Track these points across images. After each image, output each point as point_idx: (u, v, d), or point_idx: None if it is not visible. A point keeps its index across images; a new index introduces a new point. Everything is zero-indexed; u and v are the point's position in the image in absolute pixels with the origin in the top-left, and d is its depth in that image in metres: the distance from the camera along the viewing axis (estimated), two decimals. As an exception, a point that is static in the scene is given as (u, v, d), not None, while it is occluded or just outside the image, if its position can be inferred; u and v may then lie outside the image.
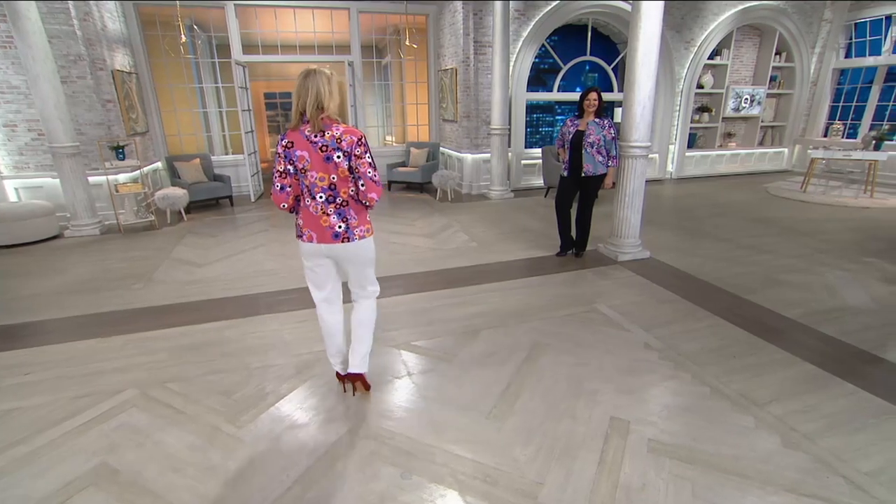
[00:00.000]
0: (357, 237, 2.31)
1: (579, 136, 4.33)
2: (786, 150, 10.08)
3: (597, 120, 4.29)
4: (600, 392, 2.58)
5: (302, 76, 2.12)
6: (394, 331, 3.30)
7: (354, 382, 2.59)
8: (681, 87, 8.87)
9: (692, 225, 6.00)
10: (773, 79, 9.63)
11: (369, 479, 2.01)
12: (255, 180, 7.76)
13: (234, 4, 7.28)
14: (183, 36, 6.49)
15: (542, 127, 8.82)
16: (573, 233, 4.77)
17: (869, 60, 9.04)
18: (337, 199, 2.24)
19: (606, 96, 4.75)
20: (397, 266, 4.59)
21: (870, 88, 9.18)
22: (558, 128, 8.77)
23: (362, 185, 2.22)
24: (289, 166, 2.21)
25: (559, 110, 8.83)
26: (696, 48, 8.71)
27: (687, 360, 2.89)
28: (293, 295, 3.91)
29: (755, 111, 9.53)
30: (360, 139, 2.18)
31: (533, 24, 7.58)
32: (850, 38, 9.39)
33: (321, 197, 2.22)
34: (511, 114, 7.73)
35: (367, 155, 2.22)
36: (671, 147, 9.22)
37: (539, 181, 8.32)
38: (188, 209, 6.71)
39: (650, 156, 8.57)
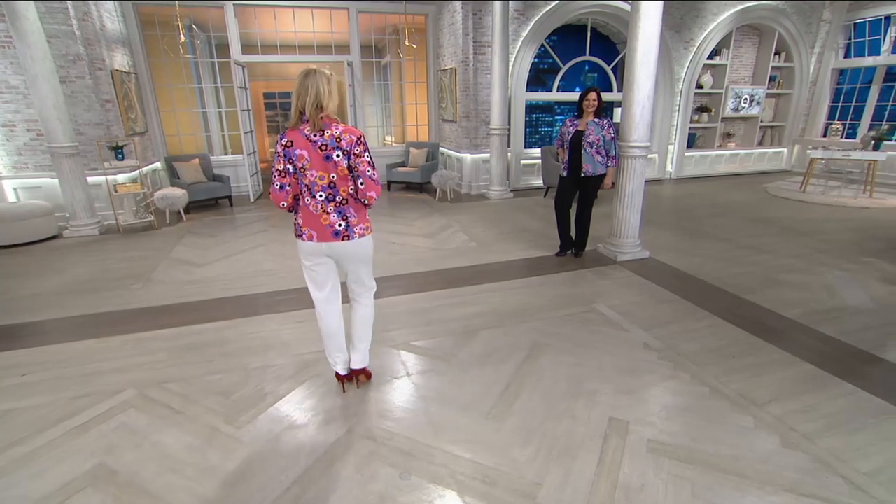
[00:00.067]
0: (357, 235, 2.33)
1: (579, 136, 4.33)
2: (785, 150, 10.08)
3: (596, 120, 4.29)
4: (599, 392, 2.58)
5: (302, 76, 2.14)
6: (393, 331, 3.30)
7: (358, 376, 2.68)
8: (680, 87, 8.88)
9: (691, 225, 6.00)
10: (772, 79, 9.64)
11: (368, 479, 2.01)
12: (254, 180, 7.75)
13: (234, 4, 7.28)
14: (182, 36, 6.48)
15: (542, 127, 8.82)
16: (572, 233, 4.77)
17: (868, 60, 9.05)
18: (336, 198, 2.26)
19: (606, 96, 4.75)
20: (397, 266, 4.59)
21: (869, 88, 9.18)
22: (557, 128, 8.77)
23: (361, 183, 2.24)
24: (288, 165, 2.21)
25: (558, 110, 8.83)
26: (695, 48, 8.71)
27: (686, 360, 2.89)
28: (292, 295, 3.90)
29: (754, 111, 9.54)
30: (359, 138, 2.21)
31: (532, 24, 7.58)
32: (850, 38, 9.39)
33: (321, 195, 2.24)
34: (510, 114, 7.74)
35: (366, 154, 2.24)
36: (670, 147, 9.22)
37: (538, 181, 8.32)
38: (187, 209, 6.71)
39: (649, 156, 8.59)
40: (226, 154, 8.64)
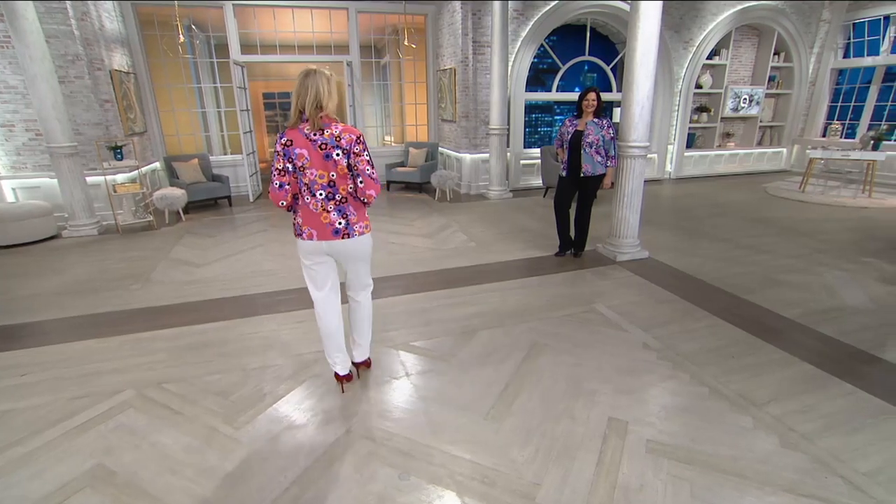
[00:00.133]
0: (357, 233, 2.36)
1: (578, 137, 4.33)
2: (784, 150, 10.09)
3: (596, 120, 4.29)
4: (599, 392, 2.58)
5: (302, 76, 2.17)
6: (392, 331, 3.30)
7: (359, 367, 2.78)
8: (679, 87, 8.88)
9: (691, 225, 6.00)
10: (771, 79, 9.64)
11: (367, 479, 2.00)
12: (253, 180, 7.75)
13: (233, 4, 7.27)
14: (181, 36, 6.48)
15: (541, 127, 8.83)
16: (572, 233, 4.77)
17: (867, 60, 9.05)
18: (336, 196, 2.28)
19: (605, 96, 4.76)
20: (396, 266, 4.59)
21: (868, 88, 9.19)
22: (557, 128, 8.77)
23: (361, 182, 2.27)
24: (288, 164, 2.23)
25: (558, 110, 8.83)
26: (694, 48, 8.71)
27: (685, 360, 2.89)
28: (291, 295, 3.90)
29: (754, 111, 9.54)
30: (358, 137, 2.24)
31: (531, 24, 7.58)
32: (849, 38, 9.40)
33: (321, 194, 2.26)
34: (510, 114, 7.73)
35: (366, 153, 2.26)
36: (670, 147, 9.23)
37: (538, 181, 8.32)
38: (186, 209, 6.70)
39: (649, 156, 8.57)
40: (225, 154, 8.63)
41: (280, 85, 13.30)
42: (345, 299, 2.71)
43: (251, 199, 7.65)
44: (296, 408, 2.50)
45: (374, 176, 2.28)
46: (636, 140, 4.40)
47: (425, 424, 2.35)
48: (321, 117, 2.18)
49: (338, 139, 2.19)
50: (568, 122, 4.44)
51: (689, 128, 9.36)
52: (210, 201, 7.24)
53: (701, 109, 9.38)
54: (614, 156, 4.37)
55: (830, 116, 9.90)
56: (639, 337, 3.18)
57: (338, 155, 2.20)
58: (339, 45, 8.26)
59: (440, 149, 8.81)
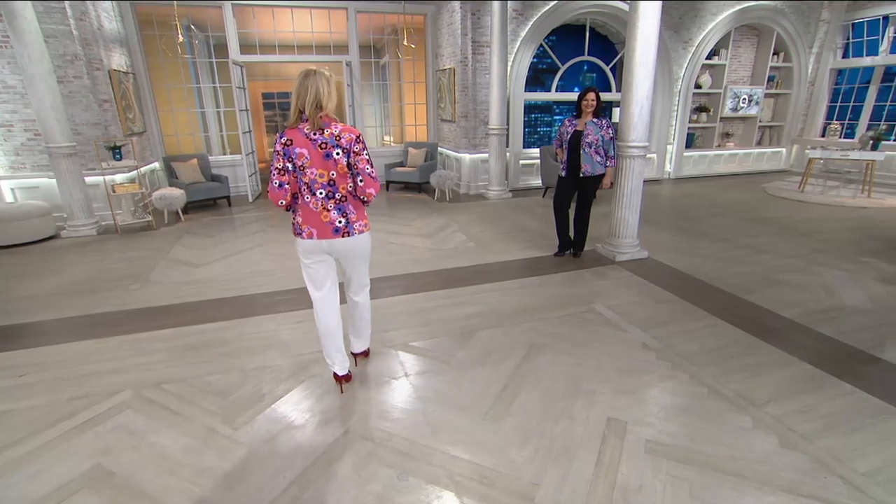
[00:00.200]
0: (357, 231, 2.38)
1: (577, 137, 4.33)
2: (784, 149, 10.10)
3: (595, 120, 4.29)
4: (598, 392, 2.58)
5: (301, 76, 2.19)
6: (391, 331, 3.30)
7: (357, 357, 2.90)
8: (679, 87, 8.88)
9: (690, 225, 6.00)
10: (770, 79, 9.65)
11: (366, 480, 2.00)
12: (252, 180, 7.75)
13: (232, 4, 7.27)
14: (180, 36, 6.47)
15: (541, 127, 8.82)
16: (571, 233, 4.77)
17: (866, 60, 9.06)
18: (336, 195, 2.30)
19: (605, 96, 4.75)
20: (395, 266, 4.59)
21: (867, 88, 9.20)
22: (556, 128, 8.77)
23: (361, 181, 2.30)
24: (287, 164, 2.24)
25: (557, 110, 8.83)
26: (693, 48, 8.72)
27: (685, 360, 2.89)
28: (291, 295, 3.90)
29: (753, 111, 9.55)
30: (358, 137, 2.26)
31: (531, 24, 7.58)
32: (848, 39, 9.41)
33: (321, 193, 2.28)
34: (509, 114, 7.73)
35: (365, 152, 2.29)
36: (669, 147, 9.23)
37: (537, 181, 8.32)
38: (186, 209, 6.69)
39: (648, 156, 8.60)
40: (224, 154, 8.63)
41: (279, 85, 13.29)
42: (343, 300, 2.71)
43: (250, 199, 7.65)
44: (295, 408, 2.49)
45: (373, 175, 2.32)
46: (635, 140, 4.40)
47: (424, 425, 2.35)
48: (321, 117, 2.19)
49: (338, 138, 2.21)
50: (567, 122, 4.43)
51: (689, 128, 9.36)
52: (209, 201, 7.23)
53: (700, 109, 9.39)
54: (614, 156, 4.37)
55: (829, 116, 9.91)
56: (638, 337, 3.18)
57: (338, 154, 2.22)
58: (339, 45, 8.26)
59: (439, 149, 8.81)
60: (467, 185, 8.03)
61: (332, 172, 2.25)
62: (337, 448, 2.20)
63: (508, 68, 7.53)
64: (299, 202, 2.33)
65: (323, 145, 2.21)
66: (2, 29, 5.34)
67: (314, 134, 2.20)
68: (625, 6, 7.52)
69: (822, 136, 9.79)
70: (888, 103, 8.95)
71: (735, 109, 9.42)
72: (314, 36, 8.04)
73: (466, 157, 7.89)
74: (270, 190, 2.29)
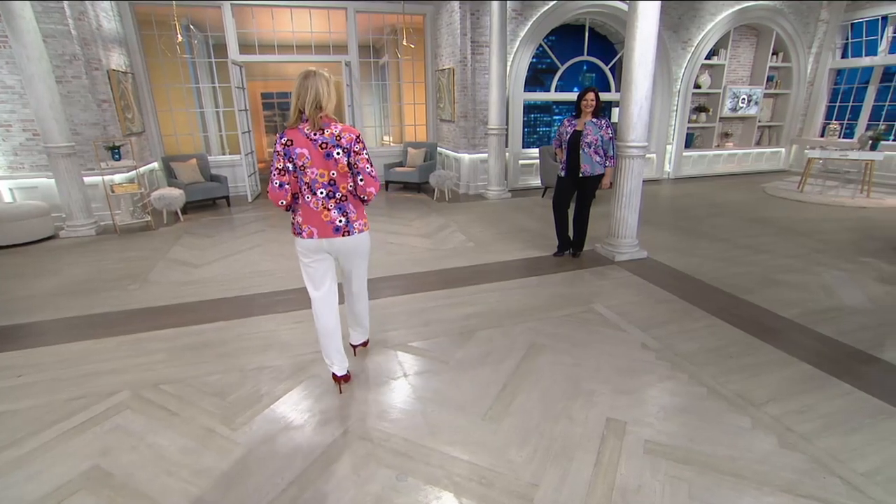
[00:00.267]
0: (357, 230, 2.42)
1: (577, 137, 4.33)
2: (783, 150, 10.10)
3: (594, 120, 4.28)
4: (597, 393, 2.58)
5: (301, 77, 2.21)
6: (390, 331, 3.29)
7: (356, 348, 2.98)
8: (678, 87, 8.88)
9: (689, 225, 6.00)
10: (769, 79, 9.65)
11: (364, 480, 2.00)
12: (252, 180, 7.74)
13: (231, 4, 7.26)
14: (179, 35, 6.46)
15: (540, 127, 8.82)
16: (570, 233, 4.76)
17: (865, 61, 9.07)
18: (337, 195, 2.33)
19: (604, 96, 4.75)
20: (394, 266, 4.58)
21: (866, 88, 9.21)
22: (555, 128, 8.77)
23: (361, 180, 2.33)
24: (288, 164, 2.26)
25: (557, 110, 8.83)
26: (693, 48, 8.72)
27: (684, 360, 2.89)
28: (290, 296, 3.89)
29: (752, 111, 9.55)
30: (357, 136, 2.30)
31: (530, 24, 7.58)
32: (847, 39, 9.41)
33: (322, 192, 2.30)
34: (508, 114, 7.73)
35: (365, 151, 2.33)
36: (668, 147, 9.23)
37: (536, 181, 8.32)
38: (185, 209, 6.68)
39: (647, 156, 8.58)
40: (223, 154, 8.62)
41: (278, 85, 13.28)
42: (342, 300, 2.72)
43: (249, 200, 7.64)
44: (293, 408, 2.49)
45: (373, 174, 2.35)
46: (634, 140, 4.40)
47: (423, 425, 2.34)
48: (321, 117, 2.22)
49: (338, 138, 2.24)
50: (566, 122, 4.43)
51: (688, 128, 9.37)
52: (208, 201, 7.23)
53: (699, 109, 9.39)
54: (613, 156, 4.37)
55: (829, 116, 9.92)
56: (637, 337, 3.18)
57: (338, 154, 2.25)
58: (338, 45, 8.25)
59: (439, 149, 8.80)
60: (466, 185, 8.02)
61: (333, 172, 2.28)
62: (336, 448, 2.19)
63: (508, 68, 7.53)
64: (299, 202, 2.35)
65: (324, 145, 2.23)
66: (0, 29, 5.33)
67: (314, 134, 2.22)
68: (624, 6, 7.52)
69: (822, 136, 9.80)
70: (887, 103, 8.96)
71: (734, 109, 9.43)
72: (313, 36, 8.03)
73: (466, 157, 7.89)
74: (271, 190, 2.30)
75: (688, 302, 3.71)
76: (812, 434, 2.23)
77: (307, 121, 2.22)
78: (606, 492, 1.92)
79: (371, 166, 2.34)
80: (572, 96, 8.06)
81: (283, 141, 2.24)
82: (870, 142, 7.57)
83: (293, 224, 2.41)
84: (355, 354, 2.97)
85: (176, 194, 6.30)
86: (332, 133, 2.23)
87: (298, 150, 2.23)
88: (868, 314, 3.49)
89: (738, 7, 8.61)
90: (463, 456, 2.13)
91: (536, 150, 8.24)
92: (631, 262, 4.60)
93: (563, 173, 4.52)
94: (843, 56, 9.50)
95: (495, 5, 6.66)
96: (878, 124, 8.95)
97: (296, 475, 2.03)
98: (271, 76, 12.89)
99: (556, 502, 1.88)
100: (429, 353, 3.02)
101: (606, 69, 8.50)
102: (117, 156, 5.87)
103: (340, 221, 2.36)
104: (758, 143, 10.06)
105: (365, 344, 3.01)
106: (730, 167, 9.82)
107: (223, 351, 3.07)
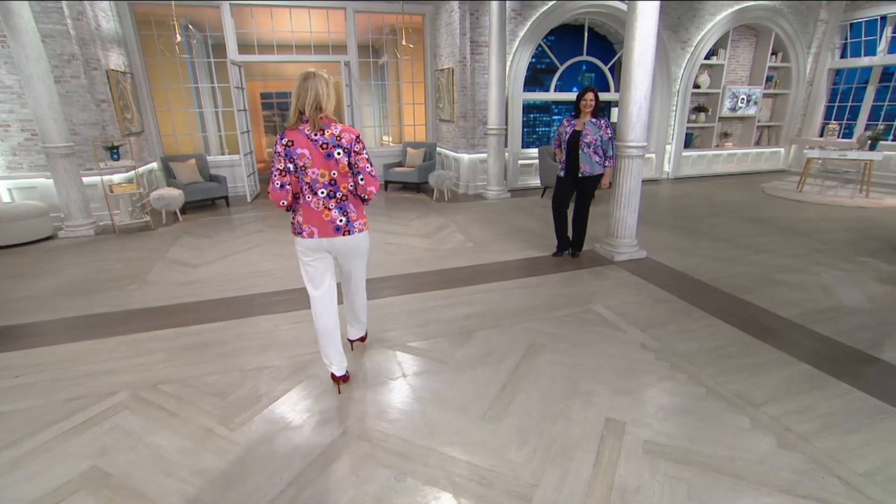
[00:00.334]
0: (357, 230, 2.44)
1: (576, 137, 4.33)
2: (782, 149, 10.11)
3: (593, 120, 4.28)
4: (596, 393, 2.57)
5: (301, 78, 2.23)
6: (389, 331, 3.29)
7: (353, 344, 3.04)
8: (677, 86, 8.89)
9: (689, 225, 6.00)
10: (769, 79, 9.66)
11: (363, 481, 2.00)
12: (251, 180, 7.73)
13: (230, 4, 7.25)
14: (178, 35, 6.45)
15: (539, 127, 8.82)
16: (570, 233, 4.76)
17: (864, 61, 9.07)
18: (337, 194, 2.36)
19: (603, 96, 4.75)
20: (393, 266, 4.58)
21: (865, 88, 9.21)
22: (555, 128, 8.77)
23: (361, 179, 2.36)
24: (289, 164, 2.28)
25: (556, 110, 8.83)
26: (692, 48, 8.72)
27: (683, 360, 2.89)
28: (289, 296, 3.89)
29: (751, 111, 9.56)
30: (357, 137, 2.33)
31: (529, 24, 7.57)
32: (846, 39, 9.42)
33: (323, 192, 2.33)
34: (508, 114, 7.73)
35: (365, 151, 2.36)
36: (668, 147, 9.23)
37: (536, 181, 8.32)
38: (184, 210, 6.68)
39: (647, 156, 8.60)
40: (222, 154, 8.61)
41: (278, 85, 13.26)
42: (341, 299, 2.72)
43: (249, 200, 7.63)
44: (292, 409, 2.49)
45: (373, 173, 2.38)
46: (634, 140, 4.40)
47: (422, 425, 2.34)
48: (321, 118, 2.24)
49: (338, 139, 2.26)
50: (566, 122, 4.43)
51: (687, 128, 9.37)
52: (207, 201, 7.22)
53: (699, 109, 9.40)
54: (612, 156, 4.37)
55: (828, 116, 9.93)
56: (636, 337, 3.18)
57: (339, 154, 2.28)
58: (337, 45, 8.24)
59: (438, 149, 8.80)
60: (466, 185, 8.02)
61: (334, 172, 2.30)
62: (334, 449, 2.19)
63: (507, 68, 7.53)
64: (300, 202, 2.38)
65: (324, 146, 2.25)
66: (-1, 29, 5.33)
67: (315, 135, 2.25)
68: (623, 6, 7.52)
69: (821, 135, 9.80)
70: (886, 103, 8.96)
71: (733, 109, 9.43)
72: (312, 36, 8.03)
73: (465, 156, 7.89)
74: (272, 191, 2.32)
75: (687, 302, 3.71)
76: (811, 434, 2.23)
77: (307, 122, 2.24)
78: (605, 492, 1.92)
79: (371, 166, 2.37)
80: (571, 96, 8.06)
81: (283, 142, 2.26)
82: (869, 142, 7.58)
83: (293, 224, 2.43)
84: (353, 349, 3.02)
85: (175, 194, 6.30)
86: (333, 133, 2.25)
87: (299, 151, 2.25)
88: (867, 314, 3.49)
89: (737, 7, 8.62)
90: (462, 456, 2.13)
91: (536, 150, 8.24)
92: (630, 262, 4.60)
93: (562, 173, 4.52)
94: (842, 56, 9.50)
95: (494, 5, 6.66)
96: (877, 124, 8.96)
97: (294, 475, 2.03)
98: (270, 76, 12.87)
99: (555, 502, 1.88)
100: (428, 353, 3.02)
101: (606, 69, 8.50)
102: (116, 156, 5.87)
103: (341, 221, 2.38)
104: (757, 143, 10.07)
105: (363, 339, 3.07)
106: (729, 167, 9.83)
107: (222, 351, 3.07)
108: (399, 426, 2.34)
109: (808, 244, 5.12)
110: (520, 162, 8.34)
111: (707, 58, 8.93)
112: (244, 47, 7.74)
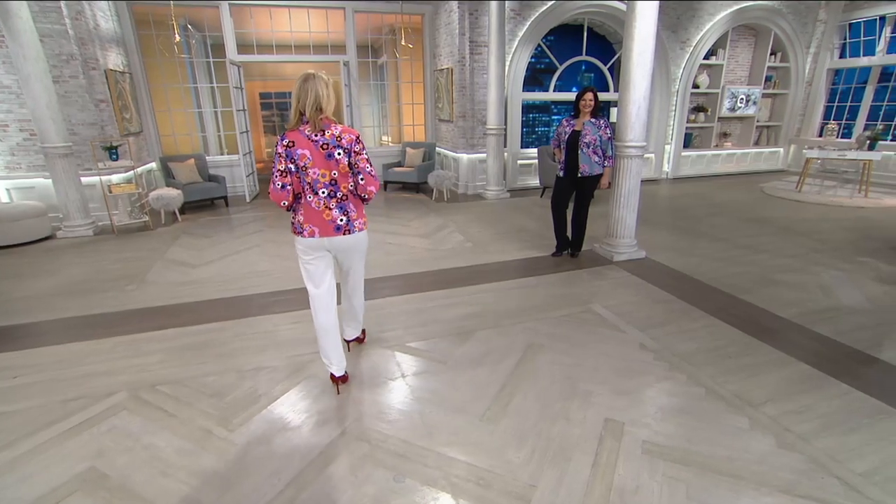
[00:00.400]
0: (357, 229, 2.47)
1: (575, 137, 4.33)
2: (781, 149, 10.11)
3: (593, 120, 4.28)
4: (595, 393, 2.57)
5: (301, 79, 2.25)
6: (388, 332, 3.29)
7: (350, 343, 3.05)
8: (677, 86, 8.89)
9: (688, 225, 6.00)
10: (768, 79, 9.66)
11: (362, 481, 1.99)
12: (250, 181, 7.73)
13: (229, 4, 7.24)
14: (177, 35, 6.44)
15: (539, 127, 8.82)
16: (569, 233, 4.76)
17: (863, 61, 9.08)
18: (338, 194, 2.39)
19: (603, 96, 4.76)
20: (393, 266, 4.58)
21: (864, 88, 9.22)
22: (554, 128, 8.77)
23: (361, 179, 2.38)
24: (290, 165, 2.30)
25: (555, 110, 8.83)
26: (691, 48, 8.72)
27: (682, 360, 2.89)
28: (288, 296, 3.88)
29: (751, 111, 9.56)
30: (357, 137, 2.35)
31: (529, 23, 7.57)
32: (845, 39, 9.43)
33: (323, 192, 2.36)
34: (507, 114, 7.73)
35: (365, 151, 2.39)
36: (667, 147, 9.24)
37: (535, 181, 8.32)
38: (183, 210, 6.67)
39: (646, 156, 8.60)
40: (222, 154, 8.60)
41: (277, 85, 13.24)
42: (339, 300, 2.71)
43: (248, 200, 7.63)
44: (291, 409, 2.48)
45: (373, 173, 2.41)
46: (633, 140, 4.40)
47: (421, 426, 2.34)
48: (321, 119, 2.26)
49: (339, 139, 2.29)
50: (565, 122, 4.43)
51: (686, 128, 9.37)
52: (206, 202, 7.21)
53: (698, 109, 9.40)
54: (611, 156, 4.37)
55: (827, 116, 9.93)
56: (635, 337, 3.18)
57: (339, 154, 2.30)
58: (336, 45, 8.24)
59: (437, 149, 8.80)
60: (465, 185, 8.02)
61: (334, 172, 2.33)
62: (333, 449, 2.19)
63: (506, 68, 7.53)
64: (301, 202, 2.40)
65: (325, 146, 2.27)
66: (-3, 28, 5.32)
67: (315, 135, 2.27)
68: (622, 6, 7.52)
69: (820, 135, 9.81)
70: (885, 103, 8.97)
71: (733, 109, 9.44)
72: (311, 36, 8.02)
73: (464, 156, 7.88)
74: (273, 191, 2.34)
75: (686, 302, 3.71)
76: (810, 434, 2.23)
77: (308, 123, 2.26)
78: (604, 492, 1.92)
79: (371, 166, 2.39)
80: (571, 96, 8.06)
81: (284, 143, 2.28)
82: (868, 142, 7.59)
83: (293, 223, 2.45)
84: (349, 349, 3.02)
85: (174, 194, 6.29)
86: (333, 134, 2.28)
87: (300, 152, 2.27)
88: (866, 314, 3.49)
89: (736, 7, 8.62)
90: (461, 457, 2.12)
91: (535, 150, 8.24)
92: (629, 262, 4.60)
93: (561, 173, 4.52)
94: (842, 56, 9.51)
95: (494, 5, 6.65)
96: (876, 124, 8.96)
97: (293, 476, 2.03)
98: (269, 76, 12.85)
99: (553, 503, 1.87)
100: (427, 353, 3.02)
101: (605, 69, 8.50)
102: (115, 156, 5.86)
103: (341, 220, 2.41)
104: (756, 143, 10.07)
105: (360, 340, 3.09)
106: (728, 167, 9.83)
107: (221, 351, 3.06)
108: (398, 427, 2.34)
109: (808, 244, 5.12)
110: (519, 162, 8.34)
111: (706, 58, 8.93)
112: (243, 47, 7.73)
